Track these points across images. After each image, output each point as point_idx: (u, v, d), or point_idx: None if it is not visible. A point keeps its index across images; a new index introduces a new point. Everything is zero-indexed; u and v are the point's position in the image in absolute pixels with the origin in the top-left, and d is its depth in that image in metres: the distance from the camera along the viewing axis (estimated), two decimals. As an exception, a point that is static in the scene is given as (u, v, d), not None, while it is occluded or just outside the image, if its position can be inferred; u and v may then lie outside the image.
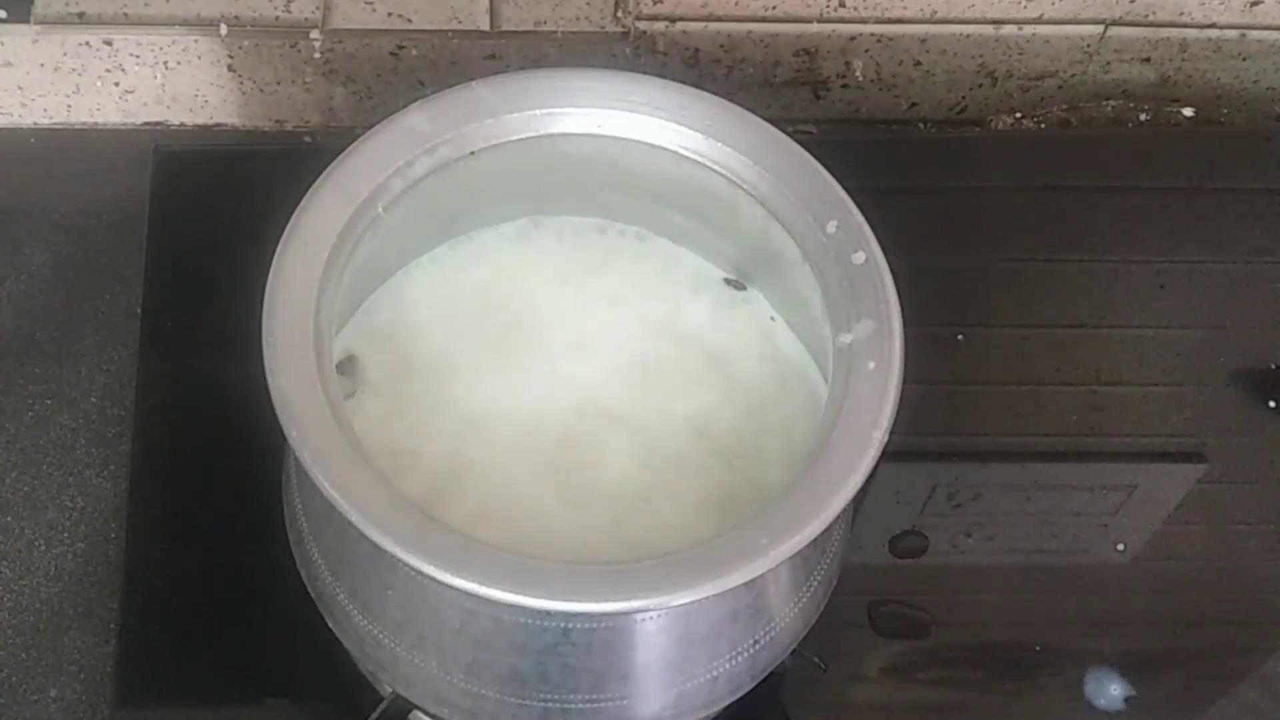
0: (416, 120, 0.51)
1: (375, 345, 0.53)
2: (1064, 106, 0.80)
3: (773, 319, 0.55)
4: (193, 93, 0.73)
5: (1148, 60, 0.78)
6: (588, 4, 0.72)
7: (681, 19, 0.72)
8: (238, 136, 0.74)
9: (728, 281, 0.55)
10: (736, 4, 0.71)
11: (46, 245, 0.69)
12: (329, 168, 0.49)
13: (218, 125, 0.74)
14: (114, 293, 0.68)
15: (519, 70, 0.71)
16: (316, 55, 0.71)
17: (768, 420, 0.52)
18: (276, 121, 0.75)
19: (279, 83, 0.72)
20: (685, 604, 0.44)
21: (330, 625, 0.50)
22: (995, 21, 0.74)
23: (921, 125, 0.80)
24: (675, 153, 0.52)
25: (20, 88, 0.71)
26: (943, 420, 0.67)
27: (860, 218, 0.50)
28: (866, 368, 0.47)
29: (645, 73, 0.53)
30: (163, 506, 0.60)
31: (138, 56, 0.70)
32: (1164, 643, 0.63)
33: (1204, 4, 0.75)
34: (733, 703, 0.50)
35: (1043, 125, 0.80)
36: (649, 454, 0.51)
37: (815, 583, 0.51)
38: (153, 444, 0.62)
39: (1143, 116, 0.81)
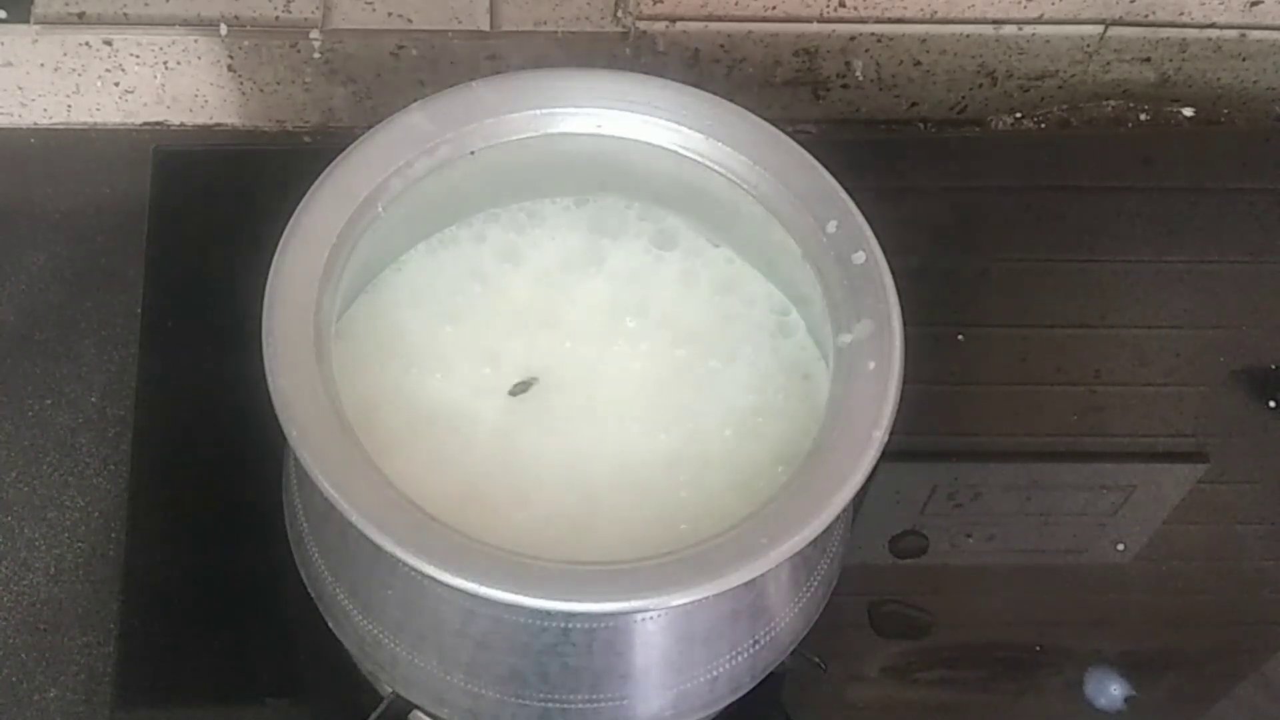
0: (417, 120, 0.51)
1: (365, 334, 0.53)
2: (1064, 106, 0.80)
3: (777, 317, 0.55)
4: (193, 93, 0.73)
5: (1148, 60, 0.78)
6: (588, 4, 0.72)
7: (681, 19, 0.72)
8: (238, 136, 0.74)
9: None
10: (736, 4, 0.71)
11: (46, 245, 0.69)
12: (329, 168, 0.49)
13: (218, 125, 0.74)
14: (114, 293, 0.67)
15: (519, 70, 0.71)
16: (316, 55, 0.71)
17: (767, 418, 0.52)
18: (276, 121, 0.75)
19: (279, 83, 0.72)
20: (685, 604, 0.44)
21: (330, 625, 0.50)
22: (995, 21, 0.74)
23: (921, 125, 0.80)
24: (675, 153, 0.52)
25: (20, 88, 0.71)
26: (943, 420, 0.67)
27: (860, 218, 0.50)
28: (866, 368, 0.47)
29: (645, 73, 0.53)
30: (163, 506, 0.60)
31: (138, 56, 0.70)
32: (1164, 643, 0.63)
33: (1204, 4, 0.75)
34: (733, 703, 0.50)
35: (1043, 125, 0.80)
36: (645, 450, 0.51)
37: (815, 583, 0.51)
38: (153, 444, 0.62)
39: (1143, 116, 0.81)
